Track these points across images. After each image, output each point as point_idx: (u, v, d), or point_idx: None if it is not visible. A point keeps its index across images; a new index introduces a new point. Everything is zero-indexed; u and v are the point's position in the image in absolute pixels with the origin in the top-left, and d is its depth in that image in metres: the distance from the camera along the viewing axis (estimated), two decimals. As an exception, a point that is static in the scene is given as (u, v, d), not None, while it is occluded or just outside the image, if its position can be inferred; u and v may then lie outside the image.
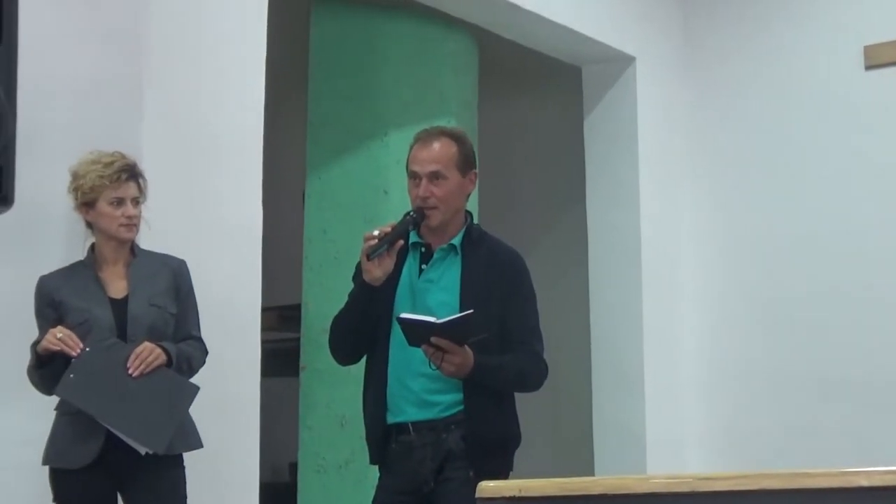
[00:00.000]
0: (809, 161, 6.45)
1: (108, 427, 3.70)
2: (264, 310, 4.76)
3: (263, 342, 4.70)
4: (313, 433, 5.61)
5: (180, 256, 3.99)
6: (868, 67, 6.35)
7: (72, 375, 3.66)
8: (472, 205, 5.95)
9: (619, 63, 6.54)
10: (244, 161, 4.65)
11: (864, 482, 2.16)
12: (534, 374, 3.91)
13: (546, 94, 7.29)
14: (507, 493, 2.15)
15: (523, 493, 2.14)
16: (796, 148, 6.50)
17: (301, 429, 5.68)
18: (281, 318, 6.51)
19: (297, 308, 5.81)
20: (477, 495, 2.19)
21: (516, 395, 3.95)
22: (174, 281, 3.92)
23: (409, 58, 5.85)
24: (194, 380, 3.88)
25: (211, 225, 4.49)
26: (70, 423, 3.76)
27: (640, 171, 6.47)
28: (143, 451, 3.72)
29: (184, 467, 3.89)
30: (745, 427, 6.45)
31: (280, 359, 5.93)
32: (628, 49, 6.49)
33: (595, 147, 6.62)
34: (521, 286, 3.90)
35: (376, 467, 3.91)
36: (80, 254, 3.94)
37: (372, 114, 5.78)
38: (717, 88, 6.76)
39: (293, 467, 5.97)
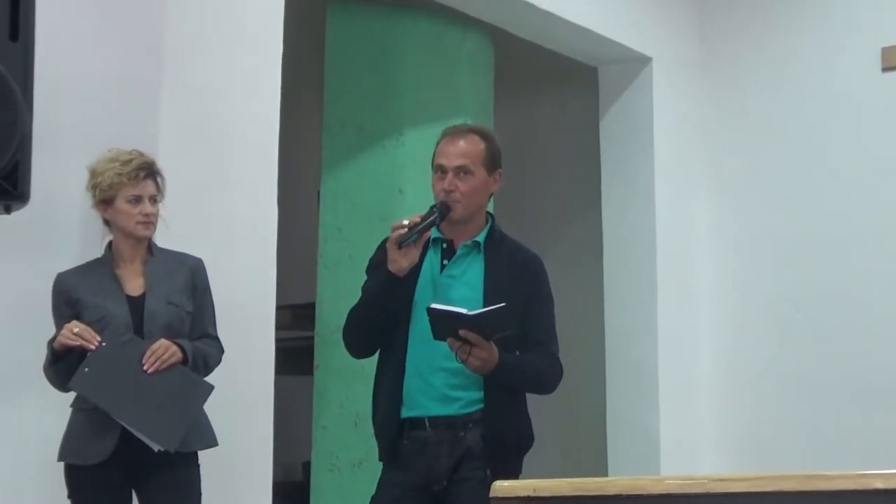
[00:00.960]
0: (825, 163, 6.44)
1: (121, 422, 3.71)
2: (279, 308, 4.77)
3: (277, 341, 4.71)
4: (327, 432, 5.61)
5: (196, 255, 4.00)
6: (885, 69, 6.33)
7: (87, 369, 3.67)
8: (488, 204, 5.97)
9: (636, 64, 6.53)
10: (260, 160, 4.66)
11: (880, 484, 2.16)
12: (550, 376, 3.91)
13: (562, 94, 7.28)
14: (522, 493, 2.15)
15: (538, 493, 2.14)
16: (812, 149, 6.48)
17: (315, 428, 5.68)
18: (295, 317, 6.51)
19: (311, 307, 5.81)
20: (491, 495, 2.19)
21: (530, 397, 3.95)
22: (191, 279, 3.93)
23: (424, 57, 5.86)
24: (209, 379, 3.88)
25: (226, 224, 4.50)
26: (86, 419, 3.77)
27: (655, 172, 6.46)
28: (155, 448, 3.72)
29: (198, 465, 3.89)
30: (760, 429, 6.43)
31: (294, 357, 5.93)
32: (645, 50, 6.48)
33: (611, 148, 6.62)
34: (541, 288, 3.91)
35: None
36: (97, 251, 3.95)
37: (387, 113, 5.78)
38: (733, 89, 6.74)
39: (306, 466, 5.98)
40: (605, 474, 6.20)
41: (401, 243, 3.67)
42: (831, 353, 6.29)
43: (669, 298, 6.45)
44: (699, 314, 6.64)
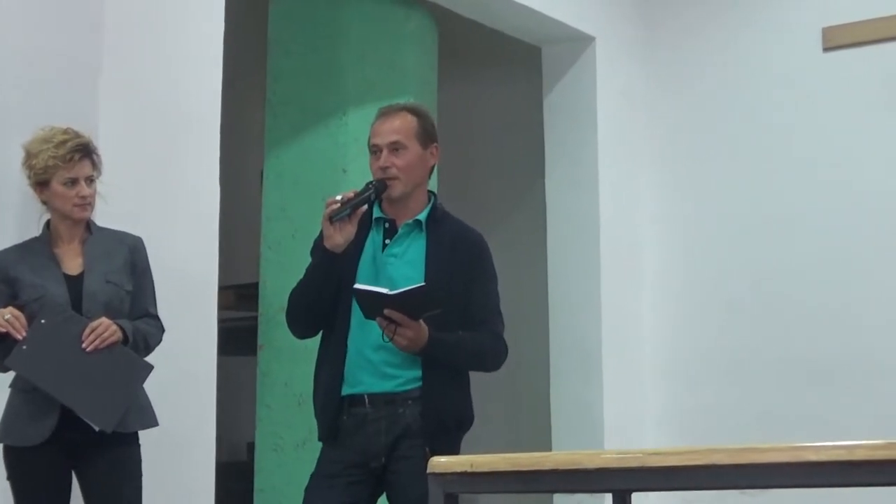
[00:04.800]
0: (768, 142, 6.48)
1: (59, 400, 3.67)
2: (222, 288, 4.75)
3: (221, 321, 4.69)
4: (271, 412, 5.60)
5: (137, 234, 3.97)
6: (826, 49, 6.39)
7: (24, 347, 3.63)
8: (431, 184, 5.96)
9: (579, 43, 6.55)
10: (202, 138, 4.63)
11: (813, 457, 2.19)
12: (492, 354, 3.92)
13: (506, 73, 7.29)
14: (459, 469, 2.16)
15: (475, 469, 2.15)
16: (755, 129, 6.53)
17: (259, 408, 5.67)
18: (239, 297, 6.49)
19: (254, 286, 5.79)
20: (428, 471, 2.20)
21: (475, 375, 3.96)
22: (130, 258, 3.90)
23: (368, 36, 5.84)
24: (149, 359, 3.85)
25: (168, 202, 4.47)
26: (25, 400, 3.73)
27: (599, 151, 6.48)
28: (97, 428, 3.70)
29: (139, 445, 3.87)
30: (703, 408, 6.48)
31: (238, 337, 5.92)
32: (588, 29, 6.50)
33: (554, 127, 6.63)
34: (484, 267, 3.91)
35: None
36: (35, 230, 3.91)
37: (331, 92, 5.76)
38: (676, 69, 6.78)
39: (251, 446, 5.97)
40: (549, 451, 6.23)
41: (332, 218, 3.67)
42: (774, 331, 6.35)
43: (613, 277, 6.47)
44: (643, 292, 6.68)
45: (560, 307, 6.51)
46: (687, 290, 6.63)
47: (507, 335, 3.94)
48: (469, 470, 2.15)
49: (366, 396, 3.75)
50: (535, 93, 6.73)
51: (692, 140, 6.71)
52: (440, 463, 2.21)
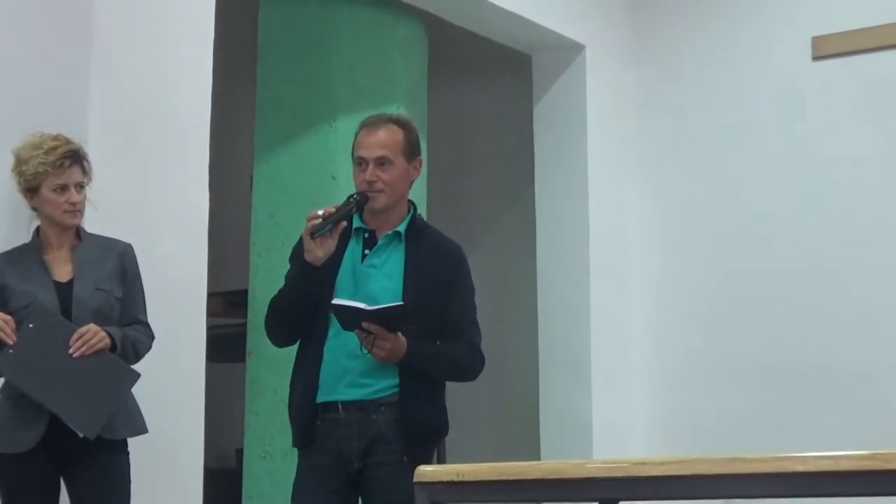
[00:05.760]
0: (757, 150, 6.49)
1: (43, 405, 3.66)
2: (211, 295, 4.74)
3: (210, 327, 4.68)
4: (260, 419, 5.59)
5: (126, 240, 3.97)
6: (815, 58, 6.40)
7: (11, 351, 3.63)
8: (421, 192, 5.98)
9: (569, 51, 6.55)
10: (191, 144, 4.63)
11: (799, 467, 2.20)
12: (469, 365, 3.97)
13: (495, 81, 7.29)
14: (446, 478, 2.16)
15: (461, 478, 2.15)
16: (744, 137, 6.53)
17: (247, 414, 5.66)
18: (227, 304, 6.49)
19: (243, 293, 5.79)
20: (415, 479, 2.20)
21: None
22: (120, 264, 3.90)
23: (358, 43, 5.84)
24: (138, 366, 3.85)
25: (157, 209, 4.46)
26: (13, 407, 3.73)
27: (588, 160, 6.48)
28: (81, 434, 3.70)
29: (128, 452, 3.87)
30: (692, 415, 6.48)
31: (226, 344, 5.92)
32: (578, 37, 6.50)
33: (544, 135, 6.63)
34: (463, 279, 3.96)
35: None
36: (25, 236, 3.91)
37: (321, 99, 5.76)
38: (666, 77, 6.79)
39: (239, 453, 5.96)
40: (538, 460, 6.23)
41: (313, 233, 3.71)
42: (763, 339, 6.35)
43: (602, 285, 6.48)
44: (632, 300, 6.68)
45: (549, 314, 6.51)
46: (676, 298, 6.64)
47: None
48: (455, 479, 2.15)
49: (339, 404, 3.80)
50: (525, 100, 6.74)
51: (681, 148, 6.72)
52: (427, 472, 2.22)
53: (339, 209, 3.76)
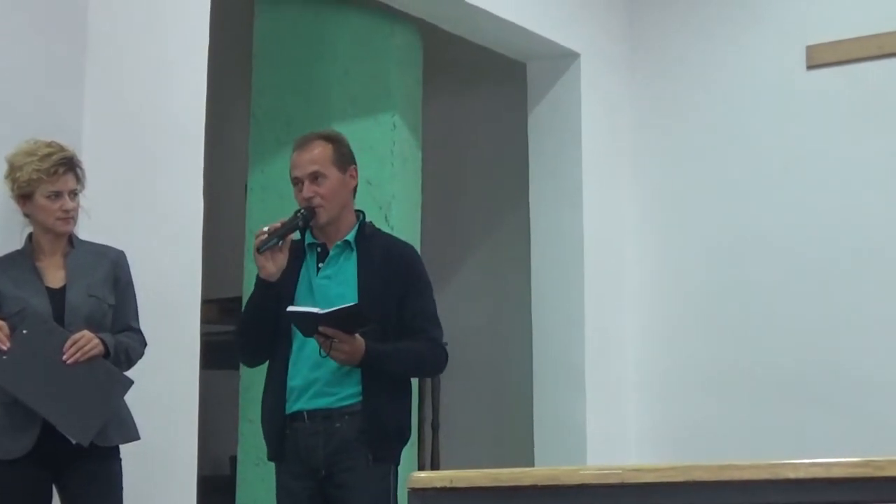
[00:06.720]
0: (752, 159, 6.50)
1: (36, 411, 3.66)
2: (205, 302, 4.75)
3: (204, 335, 4.69)
4: (254, 426, 5.55)
5: (119, 247, 3.97)
6: (810, 67, 6.41)
7: (4, 357, 3.63)
8: (415, 199, 5.98)
9: (564, 59, 6.55)
10: (186, 152, 4.63)
11: (792, 474, 2.20)
12: (431, 360, 4.08)
13: (490, 89, 7.30)
14: (439, 484, 2.16)
15: (454, 484, 2.15)
16: (739, 146, 6.54)
17: (241, 422, 5.66)
18: (222, 311, 6.48)
19: (238, 300, 5.77)
20: (408, 486, 2.20)
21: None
22: (113, 271, 3.90)
23: (352, 51, 5.84)
24: (131, 373, 3.85)
25: (151, 216, 4.46)
26: (6, 413, 3.73)
27: (583, 168, 6.48)
28: (74, 441, 3.69)
29: (120, 459, 3.87)
30: (686, 423, 6.48)
31: (220, 351, 5.90)
32: (573, 45, 6.50)
33: (539, 143, 6.63)
34: (416, 277, 4.06)
35: None
36: (18, 242, 3.90)
37: (315, 106, 5.76)
38: (660, 86, 6.79)
39: (233, 460, 5.95)
40: (532, 466, 6.22)
41: (260, 248, 3.83)
42: (757, 347, 6.36)
43: (597, 293, 6.48)
44: (626, 308, 6.68)
45: (543, 322, 6.51)
46: (670, 305, 6.64)
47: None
48: (449, 485, 2.15)
49: (304, 413, 3.90)
50: (520, 108, 6.74)
51: (676, 157, 6.72)
52: (420, 478, 2.22)
53: (284, 224, 3.89)
